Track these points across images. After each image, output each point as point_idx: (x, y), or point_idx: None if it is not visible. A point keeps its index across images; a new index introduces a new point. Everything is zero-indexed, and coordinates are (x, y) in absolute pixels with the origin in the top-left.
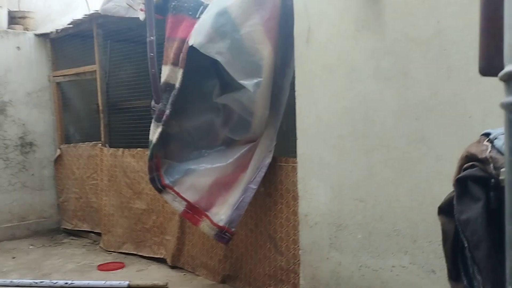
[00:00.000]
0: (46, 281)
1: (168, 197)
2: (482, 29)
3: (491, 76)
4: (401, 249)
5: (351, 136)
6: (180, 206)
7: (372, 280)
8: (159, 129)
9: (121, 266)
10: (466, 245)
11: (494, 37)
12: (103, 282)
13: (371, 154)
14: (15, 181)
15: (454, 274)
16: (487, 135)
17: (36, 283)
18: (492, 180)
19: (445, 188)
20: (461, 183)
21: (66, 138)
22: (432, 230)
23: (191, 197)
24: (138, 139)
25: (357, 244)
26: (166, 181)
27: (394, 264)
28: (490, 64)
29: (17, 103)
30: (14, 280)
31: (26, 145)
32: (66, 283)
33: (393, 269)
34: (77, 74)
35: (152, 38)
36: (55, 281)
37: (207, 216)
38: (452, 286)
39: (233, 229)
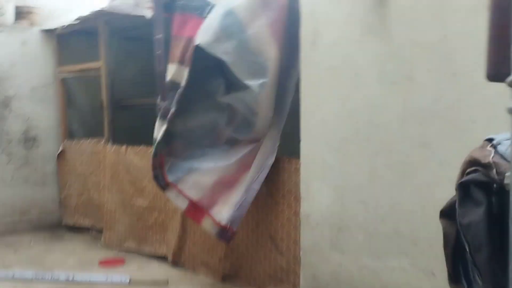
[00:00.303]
0: (48, 275)
1: (171, 194)
2: (490, 36)
3: (498, 82)
4: (402, 252)
5: (355, 139)
6: (183, 204)
7: (372, 282)
8: (164, 127)
9: (122, 262)
10: (467, 248)
11: (502, 44)
12: (105, 276)
13: (375, 157)
14: (18, 176)
15: (454, 277)
16: (490, 140)
17: (38, 277)
18: (495, 185)
19: (448, 193)
20: (463, 188)
21: (69, 134)
22: (433, 233)
23: (194, 195)
24: (142, 137)
25: (358, 246)
26: (170, 179)
27: (395, 266)
28: (497, 70)
29: (22, 98)
30: (16, 273)
31: (29, 140)
32: (68, 278)
33: (393, 271)
34: (82, 70)
35: (159, 36)
36: (56, 275)
37: (209, 215)
38: None
39: (234, 228)
